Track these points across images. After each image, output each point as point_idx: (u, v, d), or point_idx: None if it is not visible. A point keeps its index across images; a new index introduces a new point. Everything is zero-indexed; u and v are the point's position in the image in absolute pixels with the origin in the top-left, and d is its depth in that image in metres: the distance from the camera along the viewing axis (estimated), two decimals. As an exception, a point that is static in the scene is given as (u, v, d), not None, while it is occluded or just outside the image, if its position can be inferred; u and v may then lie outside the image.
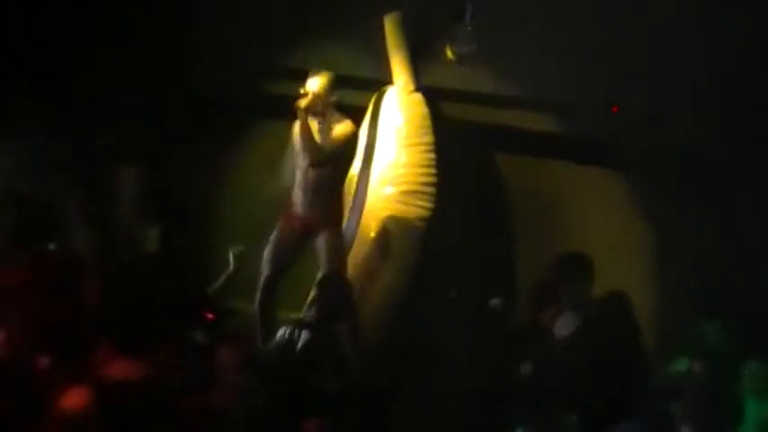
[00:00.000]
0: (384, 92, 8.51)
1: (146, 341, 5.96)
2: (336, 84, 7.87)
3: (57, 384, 5.24)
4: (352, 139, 8.04)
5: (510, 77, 8.63)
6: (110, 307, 6.42)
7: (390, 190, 8.37)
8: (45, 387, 5.24)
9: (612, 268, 7.78)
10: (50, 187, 7.99)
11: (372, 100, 8.54)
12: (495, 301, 7.70)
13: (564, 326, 7.16)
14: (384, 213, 8.32)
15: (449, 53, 8.28)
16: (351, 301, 7.38)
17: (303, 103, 7.74)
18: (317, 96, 7.76)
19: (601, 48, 8.20)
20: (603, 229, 8.39)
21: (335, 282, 7.41)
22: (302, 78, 7.94)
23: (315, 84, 7.80)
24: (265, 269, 8.00)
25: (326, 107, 7.85)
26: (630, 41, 8.17)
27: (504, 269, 8.70)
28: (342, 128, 7.88)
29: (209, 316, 7.49)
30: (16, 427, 4.99)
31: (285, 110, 8.00)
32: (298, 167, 7.96)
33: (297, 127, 7.85)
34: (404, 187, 8.35)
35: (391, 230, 8.28)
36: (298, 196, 7.98)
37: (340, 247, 8.01)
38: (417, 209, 8.33)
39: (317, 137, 7.84)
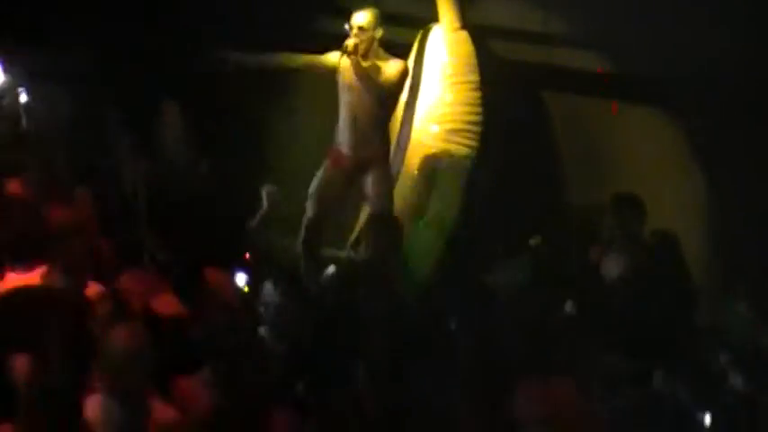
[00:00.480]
0: (429, 29, 8.42)
1: (192, 277, 5.94)
2: (381, 19, 7.80)
3: (107, 317, 5.25)
4: (405, 77, 7.97)
5: (557, 14, 8.51)
6: (158, 240, 6.43)
7: (435, 128, 8.31)
8: (95, 317, 5.25)
9: (661, 209, 7.72)
10: (99, 123, 8.01)
11: (418, 37, 8.45)
12: (534, 240, 7.65)
13: (611, 267, 7.09)
14: (429, 151, 8.28)
15: None
16: (401, 240, 7.32)
17: (351, 43, 7.67)
18: (362, 32, 7.68)
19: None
20: (652, 169, 8.29)
21: (387, 222, 7.36)
22: (347, 17, 7.87)
23: (360, 19, 7.72)
24: (311, 209, 7.96)
25: (372, 44, 7.78)
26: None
27: (550, 208, 8.61)
28: (396, 66, 7.83)
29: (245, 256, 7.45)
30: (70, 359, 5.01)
31: (331, 48, 7.94)
32: (343, 105, 7.91)
33: (344, 66, 7.78)
34: (449, 125, 8.29)
35: (436, 168, 8.24)
36: (345, 134, 7.92)
37: (389, 184, 7.98)
38: (462, 147, 8.27)
39: (353, 71, 7.77)
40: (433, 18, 8.43)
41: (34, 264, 5.59)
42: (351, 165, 7.93)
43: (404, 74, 7.94)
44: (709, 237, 8.17)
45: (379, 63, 7.84)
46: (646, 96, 8.40)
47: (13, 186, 6.40)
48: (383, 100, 7.87)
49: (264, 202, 7.89)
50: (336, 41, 7.86)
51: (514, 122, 8.45)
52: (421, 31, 8.45)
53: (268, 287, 6.09)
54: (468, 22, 8.41)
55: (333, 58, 7.91)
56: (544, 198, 8.57)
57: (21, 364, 4.82)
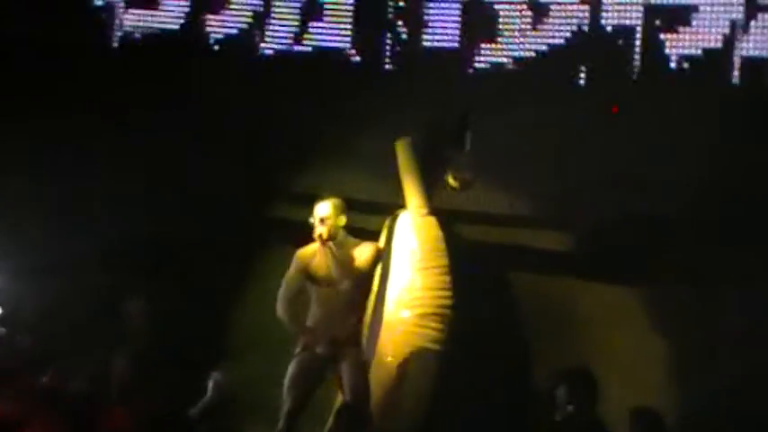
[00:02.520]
0: (397, 215, 8.56)
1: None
2: (344, 208, 7.97)
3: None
4: (379, 259, 8.11)
5: (522, 197, 8.72)
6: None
7: (406, 313, 8.36)
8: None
9: (630, 384, 7.80)
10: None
11: (386, 224, 8.58)
12: None
13: None
14: (400, 337, 8.31)
15: (450, 181, 8.41)
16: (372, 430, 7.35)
17: (324, 233, 7.83)
18: (323, 223, 7.85)
19: (611, 162, 8.33)
20: (620, 344, 8.38)
21: (355, 413, 7.37)
22: (313, 203, 8.06)
23: (323, 210, 7.89)
24: (287, 399, 7.94)
25: (337, 231, 7.94)
26: (639, 152, 8.30)
27: (523, 387, 8.66)
28: (369, 249, 7.99)
29: None
30: None
31: (296, 235, 8.11)
32: (316, 293, 8.00)
33: (313, 254, 7.93)
34: (419, 310, 8.35)
35: (408, 354, 8.26)
36: (318, 321, 7.97)
37: (363, 370, 8.00)
38: (434, 332, 8.31)
39: (325, 260, 7.91)
40: (401, 204, 8.60)
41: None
42: (324, 349, 7.95)
43: (377, 256, 8.07)
44: (677, 409, 8.18)
45: (350, 248, 7.99)
46: (609, 273, 8.55)
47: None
48: (359, 284, 7.98)
49: (210, 390, 7.92)
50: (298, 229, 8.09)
51: (483, 304, 8.57)
52: (389, 218, 8.59)
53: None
54: (435, 207, 8.58)
55: (301, 262, 8.05)
56: (515, 377, 8.66)
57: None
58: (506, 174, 8.63)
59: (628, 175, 8.37)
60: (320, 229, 7.86)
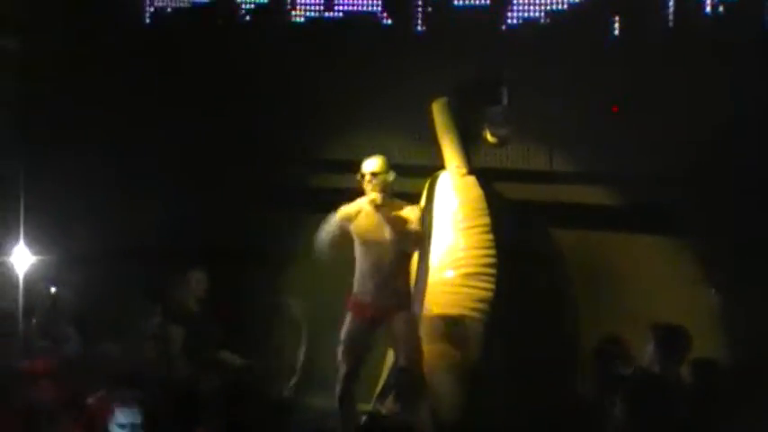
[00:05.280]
0: (437, 176, 8.53)
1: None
2: (390, 165, 7.99)
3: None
4: (423, 222, 8.14)
5: (561, 153, 8.69)
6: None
7: (451, 273, 8.34)
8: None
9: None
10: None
11: (426, 185, 8.55)
12: None
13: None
14: (446, 297, 8.30)
15: (488, 137, 8.38)
16: (426, 391, 7.39)
17: (378, 197, 7.88)
18: (375, 178, 7.87)
19: (653, 115, 8.27)
20: (667, 298, 8.35)
21: (411, 375, 7.43)
22: (353, 170, 8.06)
23: (374, 165, 7.92)
24: (343, 365, 8.04)
25: (387, 186, 7.96)
26: (678, 102, 8.23)
27: (569, 344, 8.66)
28: (414, 212, 8.03)
29: None
30: None
31: (336, 202, 8.13)
32: (364, 255, 8.03)
33: (357, 213, 7.98)
34: (464, 270, 8.32)
35: (455, 314, 8.26)
36: (366, 284, 8.01)
37: (414, 334, 8.03)
38: (479, 291, 8.28)
39: (376, 221, 7.91)
40: (439, 165, 8.58)
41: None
42: (373, 312, 8.01)
43: (423, 219, 8.10)
44: (726, 361, 8.16)
45: (395, 209, 8.01)
46: (654, 226, 8.52)
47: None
48: (407, 246, 8.02)
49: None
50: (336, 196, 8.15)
51: (527, 261, 8.55)
52: (429, 179, 8.57)
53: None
54: (474, 166, 8.55)
55: (351, 212, 8.04)
56: (563, 333, 8.66)
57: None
58: (545, 130, 8.60)
59: (667, 126, 8.34)
60: (372, 185, 7.89)
